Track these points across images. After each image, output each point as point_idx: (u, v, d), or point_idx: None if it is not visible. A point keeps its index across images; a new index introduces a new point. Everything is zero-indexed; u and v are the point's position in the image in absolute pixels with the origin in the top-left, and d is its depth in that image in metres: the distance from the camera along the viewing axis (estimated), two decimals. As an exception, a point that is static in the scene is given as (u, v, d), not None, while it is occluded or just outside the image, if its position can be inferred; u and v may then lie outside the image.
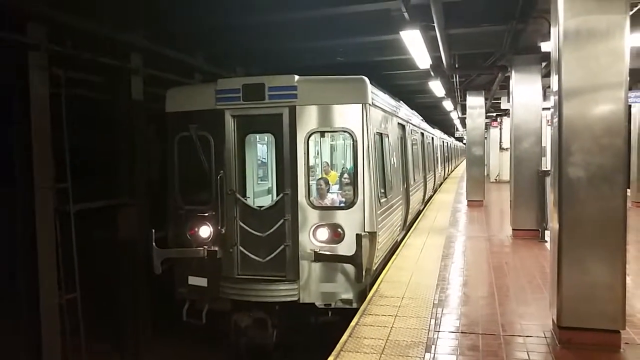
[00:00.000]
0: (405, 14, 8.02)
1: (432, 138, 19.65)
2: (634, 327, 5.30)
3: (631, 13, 4.74)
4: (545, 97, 12.72)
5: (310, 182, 7.17)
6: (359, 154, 6.96)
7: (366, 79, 7.13)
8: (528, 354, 4.85)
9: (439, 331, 5.44)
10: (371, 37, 11.14)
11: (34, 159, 7.84)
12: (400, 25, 8.25)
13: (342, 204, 7.41)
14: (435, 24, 8.29)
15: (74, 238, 8.59)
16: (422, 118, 17.18)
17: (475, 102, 17.39)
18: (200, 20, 9.71)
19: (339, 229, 6.93)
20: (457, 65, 13.24)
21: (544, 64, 10.72)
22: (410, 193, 11.55)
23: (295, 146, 6.94)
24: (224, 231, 7.10)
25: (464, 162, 23.57)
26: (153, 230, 7.28)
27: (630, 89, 11.62)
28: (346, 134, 7.18)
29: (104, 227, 9.80)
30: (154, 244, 7.20)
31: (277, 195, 7.18)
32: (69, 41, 8.32)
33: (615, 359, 4.71)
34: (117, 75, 9.91)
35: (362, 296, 6.83)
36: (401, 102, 11.85)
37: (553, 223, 5.24)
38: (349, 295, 6.94)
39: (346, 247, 6.82)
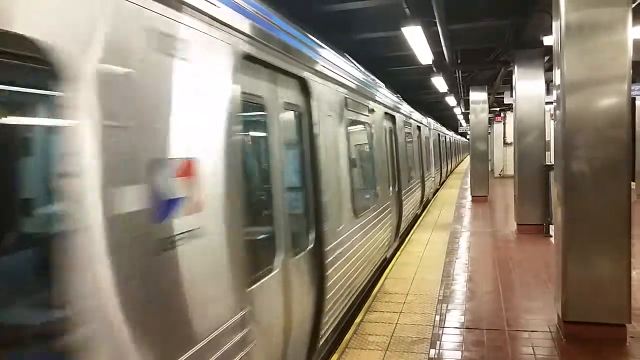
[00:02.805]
0: (407, 10, 8.00)
1: (429, 130, 17.21)
2: (640, 321, 5.29)
3: (633, 6, 4.72)
4: (548, 91, 12.70)
5: None
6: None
7: None
8: (533, 349, 4.84)
9: (443, 327, 5.44)
10: (373, 33, 11.10)
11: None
12: (402, 21, 8.23)
13: None
14: (437, 20, 8.26)
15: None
16: (412, 109, 14.16)
17: (478, 97, 17.38)
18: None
19: None
20: (459, 61, 13.22)
21: (546, 58, 10.70)
22: (371, 227, 6.83)
23: None
24: None
25: (468, 158, 23.47)
26: None
27: (633, 81, 11.58)
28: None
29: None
30: None
31: None
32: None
33: (621, 353, 4.70)
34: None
35: None
36: (362, 68, 7.94)
37: (558, 217, 5.23)
38: None
39: None
